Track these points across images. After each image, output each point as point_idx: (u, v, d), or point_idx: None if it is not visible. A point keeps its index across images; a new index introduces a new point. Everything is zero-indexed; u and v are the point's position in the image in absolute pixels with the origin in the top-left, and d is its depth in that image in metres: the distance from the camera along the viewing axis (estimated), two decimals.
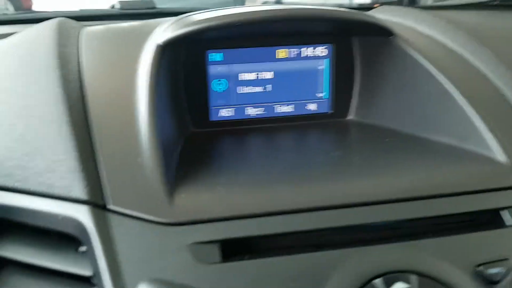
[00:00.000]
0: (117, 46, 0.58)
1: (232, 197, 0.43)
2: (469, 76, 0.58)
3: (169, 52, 0.55)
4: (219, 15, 0.53)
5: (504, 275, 0.40)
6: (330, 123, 0.67)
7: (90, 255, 0.39)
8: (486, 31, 0.70)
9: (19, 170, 0.43)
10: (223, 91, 0.66)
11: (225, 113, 0.67)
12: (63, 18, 0.65)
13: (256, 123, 0.67)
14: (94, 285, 0.40)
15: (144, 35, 0.57)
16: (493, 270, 0.40)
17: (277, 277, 0.38)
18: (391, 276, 0.39)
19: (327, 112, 0.69)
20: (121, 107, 0.48)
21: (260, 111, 0.68)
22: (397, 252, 0.41)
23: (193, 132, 0.64)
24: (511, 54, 0.61)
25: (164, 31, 0.55)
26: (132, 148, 0.44)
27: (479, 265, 0.40)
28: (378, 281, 0.39)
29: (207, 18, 0.53)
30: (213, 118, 0.66)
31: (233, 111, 0.67)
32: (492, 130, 0.49)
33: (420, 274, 0.39)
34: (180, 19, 0.56)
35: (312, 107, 0.69)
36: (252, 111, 0.67)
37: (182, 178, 0.46)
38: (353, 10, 0.59)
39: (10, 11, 1.32)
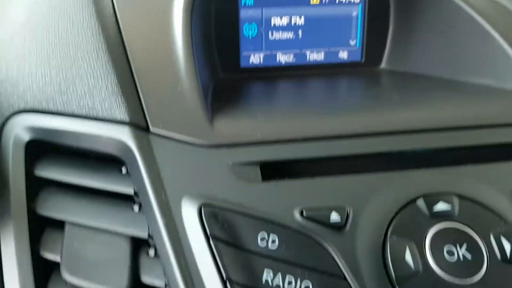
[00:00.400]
0: None
1: (272, 122, 0.43)
2: (509, 20, 0.57)
3: None
4: None
5: None
6: (362, 71, 0.66)
7: (133, 174, 0.40)
8: None
9: (60, 95, 0.43)
10: (254, 36, 0.65)
11: (256, 59, 0.66)
12: None
13: (287, 70, 0.66)
14: (136, 203, 0.40)
15: None
16: None
17: (318, 196, 0.38)
18: (432, 196, 0.39)
19: (359, 61, 0.68)
20: (157, 40, 0.48)
21: (290, 58, 0.67)
22: (439, 176, 0.41)
23: (223, 78, 0.64)
24: None
25: None
26: (171, 77, 0.44)
27: None
28: (420, 202, 0.38)
29: None
30: (244, 64, 0.66)
31: (264, 57, 0.66)
32: None
33: (461, 197, 0.39)
34: None
35: (343, 55, 0.68)
36: (282, 58, 0.67)
37: (220, 107, 0.46)
38: None
39: None
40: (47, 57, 0.46)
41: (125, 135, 0.40)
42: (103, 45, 0.46)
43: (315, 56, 0.67)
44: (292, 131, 0.42)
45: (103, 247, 0.39)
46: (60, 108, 0.43)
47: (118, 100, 0.42)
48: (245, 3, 0.64)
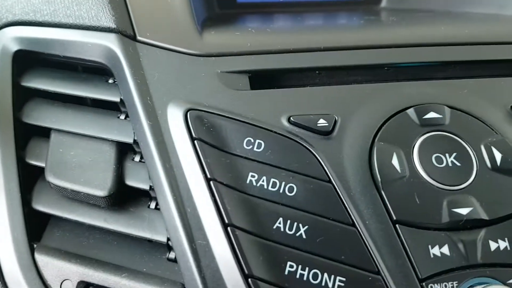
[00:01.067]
0: None
1: (262, 35, 0.43)
2: None
3: None
4: None
5: None
6: (362, 9, 0.65)
7: (119, 81, 0.39)
8: None
9: (47, 5, 0.43)
10: None
11: None
12: None
13: (285, 7, 0.65)
14: (122, 112, 0.40)
15: None
16: None
17: (306, 105, 0.38)
18: (423, 106, 0.38)
19: None
20: None
21: None
22: (431, 88, 0.40)
23: (219, 13, 0.63)
24: None
25: None
26: None
27: None
28: (411, 111, 0.38)
29: None
30: (240, 0, 0.64)
31: None
32: None
33: (452, 108, 0.38)
34: None
35: None
36: None
37: (212, 23, 0.45)
38: None
39: None
40: None
41: (111, 42, 0.40)
42: None
43: None
44: (282, 42, 0.42)
45: (88, 152, 0.39)
46: (47, 18, 0.42)
47: (105, 8, 0.41)
48: None
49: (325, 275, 0.33)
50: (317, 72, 0.43)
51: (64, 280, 0.35)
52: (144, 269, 0.36)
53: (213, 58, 0.40)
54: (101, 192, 0.36)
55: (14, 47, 0.43)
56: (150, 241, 0.37)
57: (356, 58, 0.42)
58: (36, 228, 0.39)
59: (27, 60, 0.44)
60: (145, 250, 0.37)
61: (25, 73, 0.43)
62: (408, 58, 0.42)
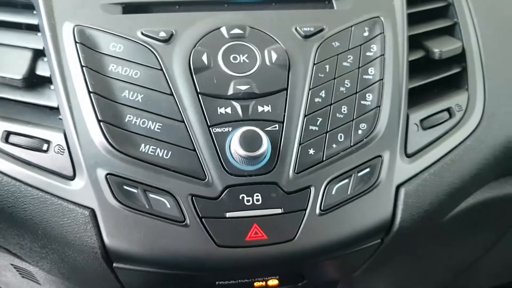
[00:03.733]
0: None
1: None
2: None
3: None
4: None
5: (315, 33, 0.61)
6: None
7: (37, 11, 0.61)
8: None
9: None
10: None
11: None
12: None
13: None
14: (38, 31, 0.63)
15: None
16: (306, 29, 0.61)
17: (155, 24, 0.60)
18: (232, 25, 0.60)
19: None
20: None
21: None
22: (241, 15, 0.62)
23: None
24: None
25: None
26: None
27: (298, 27, 0.61)
28: (223, 28, 0.60)
29: None
30: None
31: None
32: None
33: (252, 28, 0.60)
34: None
35: None
36: None
37: None
38: None
39: None
40: None
41: None
42: None
43: None
44: None
45: (15, 55, 0.62)
46: None
47: None
48: None
49: (149, 122, 0.56)
50: (177, 6, 0.65)
51: None
52: (44, 123, 0.59)
53: None
54: (18, 76, 0.59)
55: None
56: (49, 108, 0.60)
57: None
58: None
59: None
60: (45, 112, 0.60)
61: None
62: None
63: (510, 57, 0.72)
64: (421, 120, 0.62)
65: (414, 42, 0.66)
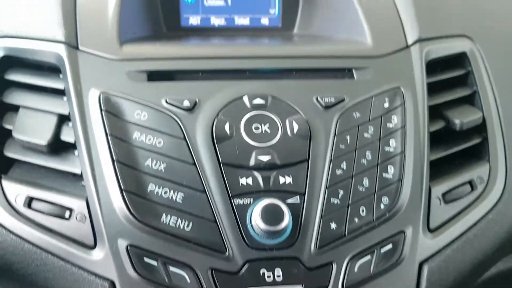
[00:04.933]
0: None
1: (162, 48, 0.67)
2: None
3: None
4: None
5: (336, 103, 0.62)
6: (279, 34, 0.89)
7: (63, 75, 0.64)
8: None
9: (24, 25, 0.68)
10: (192, 2, 0.89)
11: (194, 21, 0.89)
12: None
13: (219, 31, 0.89)
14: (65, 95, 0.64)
15: None
16: (327, 99, 0.62)
17: (179, 92, 0.62)
18: (254, 95, 0.62)
19: (277, 26, 0.91)
20: None
21: (222, 21, 0.90)
22: (263, 84, 0.63)
23: (166, 33, 0.88)
24: None
25: None
26: (101, 17, 0.69)
27: (319, 97, 0.62)
28: (245, 97, 0.61)
29: None
30: (184, 24, 0.89)
31: (200, 19, 0.89)
32: (370, 25, 0.71)
33: (273, 97, 0.62)
34: None
35: (265, 21, 0.91)
36: (215, 21, 0.90)
37: (136, 40, 0.70)
38: None
39: None
40: (19, 1, 0.71)
41: (61, 51, 0.64)
42: None
43: (242, 21, 0.90)
44: (177, 53, 0.66)
45: (40, 118, 0.63)
46: (24, 34, 0.68)
47: (60, 28, 0.66)
48: None
49: (172, 192, 0.56)
50: (200, 73, 0.67)
51: (17, 196, 0.60)
52: (66, 189, 0.60)
53: (125, 61, 0.64)
54: (43, 142, 0.60)
55: (1, 53, 0.68)
56: (73, 174, 0.61)
57: (225, 64, 0.66)
58: (6, 166, 0.63)
59: (9, 60, 0.69)
60: (68, 179, 0.61)
61: (7, 70, 0.68)
62: (251, 64, 0.66)
63: None
64: (444, 194, 0.62)
65: (434, 112, 0.67)
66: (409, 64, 0.68)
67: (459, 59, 0.73)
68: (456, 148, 0.66)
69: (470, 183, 0.65)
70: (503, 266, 0.71)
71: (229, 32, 0.87)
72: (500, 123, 0.69)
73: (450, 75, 0.71)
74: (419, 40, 0.70)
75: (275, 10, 0.90)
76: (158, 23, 0.85)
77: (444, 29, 0.73)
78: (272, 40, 0.80)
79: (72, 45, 0.65)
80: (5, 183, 0.60)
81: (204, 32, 0.87)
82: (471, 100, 0.72)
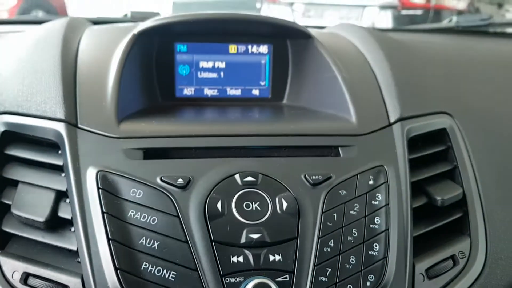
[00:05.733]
0: (109, 36, 0.87)
1: (157, 126, 0.71)
2: (355, 64, 0.84)
3: (143, 40, 0.83)
4: (184, 14, 0.82)
5: (323, 181, 0.65)
6: (269, 104, 0.93)
7: (62, 151, 0.67)
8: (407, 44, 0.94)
9: (25, 103, 0.72)
10: (187, 74, 0.93)
11: (188, 91, 0.94)
12: (75, 17, 0.95)
13: (212, 101, 0.94)
14: (63, 171, 0.67)
15: (133, 30, 0.85)
16: (315, 177, 0.65)
17: (174, 170, 0.65)
18: (245, 173, 0.65)
19: (267, 97, 0.95)
20: (99, 74, 0.76)
21: (215, 92, 0.94)
22: (253, 162, 0.67)
23: (161, 104, 0.92)
24: (402, 62, 0.87)
25: (141, 25, 0.84)
26: (100, 96, 0.73)
27: (307, 174, 0.66)
28: (237, 175, 0.65)
29: (174, 15, 0.82)
30: (178, 94, 0.93)
31: (194, 90, 0.94)
32: (354, 104, 0.75)
33: (264, 175, 0.65)
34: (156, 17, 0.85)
35: (256, 92, 0.95)
36: (208, 92, 0.94)
37: (133, 116, 0.74)
38: (284, 19, 0.86)
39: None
40: (22, 79, 0.75)
41: (61, 128, 0.68)
42: (59, 72, 0.74)
43: (234, 92, 0.95)
44: (173, 130, 0.70)
45: (38, 195, 0.66)
46: (24, 111, 0.71)
47: (61, 108, 0.70)
48: (180, 50, 0.92)
49: (164, 270, 0.58)
50: (193, 150, 0.70)
51: (14, 272, 0.61)
52: (62, 266, 0.61)
53: (122, 139, 0.68)
54: (41, 218, 0.63)
55: (2, 128, 0.71)
56: (69, 250, 0.63)
57: (217, 142, 0.70)
58: (3, 241, 0.65)
59: (10, 138, 0.72)
60: (65, 254, 0.63)
61: (7, 145, 0.71)
62: (249, 142, 0.69)
63: (509, 198, 0.76)
64: (427, 270, 0.65)
65: (417, 188, 0.70)
66: (392, 142, 0.71)
67: (440, 135, 0.78)
68: (437, 224, 0.69)
69: (452, 258, 0.67)
70: None
71: (221, 102, 0.91)
72: (479, 198, 0.72)
73: (431, 151, 0.75)
74: (400, 119, 0.74)
75: (265, 82, 0.94)
76: (154, 94, 0.89)
77: (424, 107, 0.78)
78: (262, 114, 0.84)
79: (72, 123, 0.68)
80: (3, 259, 0.62)
81: (198, 102, 0.91)
82: (451, 174, 0.75)
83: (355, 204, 0.64)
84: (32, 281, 0.59)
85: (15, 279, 0.60)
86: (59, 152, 0.68)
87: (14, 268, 0.60)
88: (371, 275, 0.61)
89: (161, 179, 0.63)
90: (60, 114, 0.68)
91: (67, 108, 0.69)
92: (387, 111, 0.75)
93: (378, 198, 0.65)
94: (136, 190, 0.62)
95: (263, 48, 0.93)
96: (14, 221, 0.64)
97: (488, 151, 0.78)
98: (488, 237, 0.70)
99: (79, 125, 0.68)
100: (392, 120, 0.74)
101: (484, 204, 0.72)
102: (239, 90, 0.94)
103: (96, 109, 0.70)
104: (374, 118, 0.74)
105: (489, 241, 0.70)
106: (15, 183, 0.67)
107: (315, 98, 0.87)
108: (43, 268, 0.60)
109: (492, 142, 0.80)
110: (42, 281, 0.59)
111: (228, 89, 0.93)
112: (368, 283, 0.60)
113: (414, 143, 0.74)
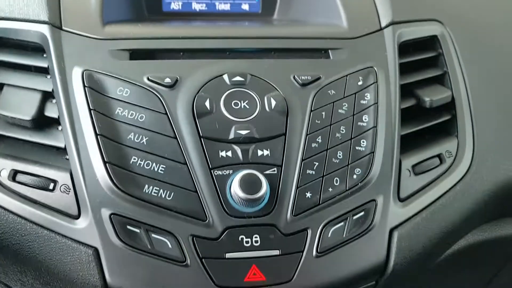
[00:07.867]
0: None
1: (144, 28, 0.69)
2: None
3: None
4: None
5: (312, 81, 0.65)
6: (259, 19, 0.91)
7: (48, 54, 0.65)
8: None
9: (8, 7, 0.69)
10: None
11: (175, 5, 0.91)
12: None
13: (200, 15, 0.92)
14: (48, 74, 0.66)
15: None
16: (304, 77, 0.65)
17: (161, 70, 0.64)
18: (233, 73, 0.64)
19: (257, 11, 0.93)
20: None
21: (203, 7, 0.92)
22: (243, 63, 0.66)
23: (148, 17, 0.90)
24: None
25: None
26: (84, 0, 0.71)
27: (296, 75, 0.65)
28: (225, 75, 0.64)
29: None
30: (165, 9, 0.91)
31: (182, 4, 0.91)
32: (345, 9, 0.74)
33: (252, 75, 0.64)
34: None
35: (245, 7, 0.93)
36: (197, 6, 0.92)
37: (118, 22, 0.72)
38: None
39: None
40: None
41: (45, 30, 0.66)
42: None
43: (223, 6, 0.93)
44: (160, 32, 0.68)
45: (23, 95, 0.65)
46: (7, 15, 0.69)
47: (44, 9, 0.68)
48: None
49: (153, 164, 0.58)
50: (181, 53, 0.69)
51: (2, 169, 0.61)
52: (50, 163, 0.61)
53: (107, 40, 0.67)
54: (27, 117, 0.62)
55: None
56: (56, 148, 0.63)
57: (205, 44, 0.69)
58: None
59: None
60: (52, 152, 0.63)
61: None
62: (238, 45, 0.68)
63: (498, 105, 0.76)
64: (413, 166, 0.66)
65: (406, 91, 0.70)
66: (382, 46, 0.71)
67: (431, 42, 0.77)
68: (426, 124, 0.69)
69: (439, 156, 0.68)
70: (472, 239, 0.75)
71: (210, 16, 0.89)
72: (468, 102, 0.73)
73: (421, 57, 0.74)
74: (392, 23, 0.73)
75: None
76: (140, 8, 0.87)
77: (416, 12, 0.76)
78: (252, 23, 0.83)
79: (56, 25, 0.67)
80: None
81: (185, 16, 0.89)
82: (441, 80, 0.75)
83: (343, 103, 0.64)
84: (20, 177, 0.60)
85: (3, 176, 0.60)
86: (44, 55, 0.67)
87: (2, 166, 0.61)
88: (358, 169, 0.61)
89: (148, 79, 0.63)
90: (44, 16, 0.67)
91: (51, 10, 0.67)
92: (378, 16, 0.74)
93: (367, 97, 0.65)
94: (123, 89, 0.62)
95: None
96: (0, 122, 0.64)
97: (479, 59, 0.78)
98: (476, 139, 0.70)
99: (64, 28, 0.67)
100: (383, 24, 0.73)
101: (473, 109, 0.72)
102: (228, 5, 0.91)
103: (80, 12, 0.69)
104: (365, 22, 0.73)
105: (476, 143, 0.70)
106: (0, 87, 0.66)
107: (306, 11, 0.86)
108: (31, 165, 0.60)
109: (483, 51, 0.80)
110: (30, 177, 0.59)
111: (217, 3, 0.91)
112: (354, 176, 0.61)
113: (406, 49, 0.74)
